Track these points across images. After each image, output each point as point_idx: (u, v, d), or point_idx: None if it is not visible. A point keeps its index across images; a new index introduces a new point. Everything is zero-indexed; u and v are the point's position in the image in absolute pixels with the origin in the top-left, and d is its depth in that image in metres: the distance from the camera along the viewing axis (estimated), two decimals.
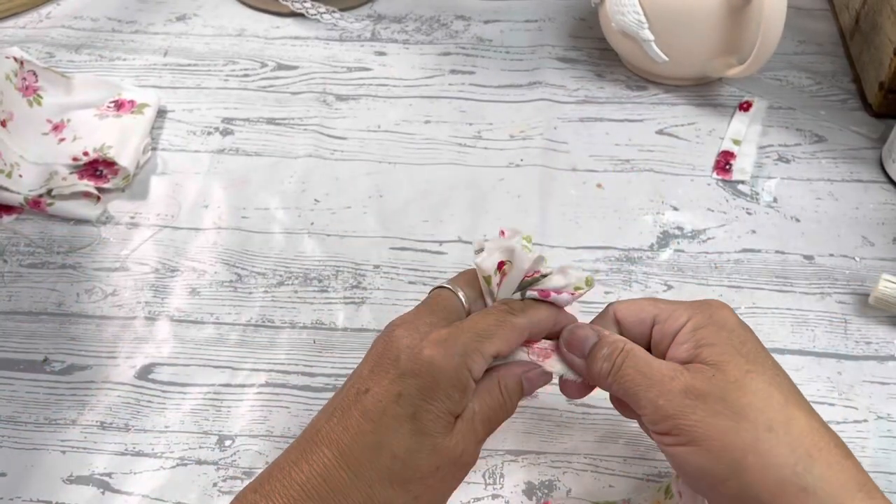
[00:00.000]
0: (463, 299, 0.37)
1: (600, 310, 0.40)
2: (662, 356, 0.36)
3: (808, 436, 0.32)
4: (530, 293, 0.37)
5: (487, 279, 0.38)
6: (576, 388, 0.39)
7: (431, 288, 0.39)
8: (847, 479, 0.31)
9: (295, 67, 0.71)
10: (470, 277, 0.39)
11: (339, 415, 0.34)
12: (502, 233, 0.39)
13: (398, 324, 0.35)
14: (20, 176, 0.59)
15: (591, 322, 0.39)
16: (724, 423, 0.32)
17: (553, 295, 0.37)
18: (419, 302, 0.38)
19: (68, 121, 0.64)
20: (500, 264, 0.37)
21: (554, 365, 0.38)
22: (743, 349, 0.34)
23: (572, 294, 0.38)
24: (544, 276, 0.38)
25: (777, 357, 0.49)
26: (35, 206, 0.58)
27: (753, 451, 0.31)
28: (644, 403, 0.34)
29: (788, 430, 0.32)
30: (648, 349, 0.37)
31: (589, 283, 0.38)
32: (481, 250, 0.38)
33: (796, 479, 0.31)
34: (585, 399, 0.47)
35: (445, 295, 0.37)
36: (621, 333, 0.38)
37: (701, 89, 0.68)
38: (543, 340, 0.39)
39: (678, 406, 0.33)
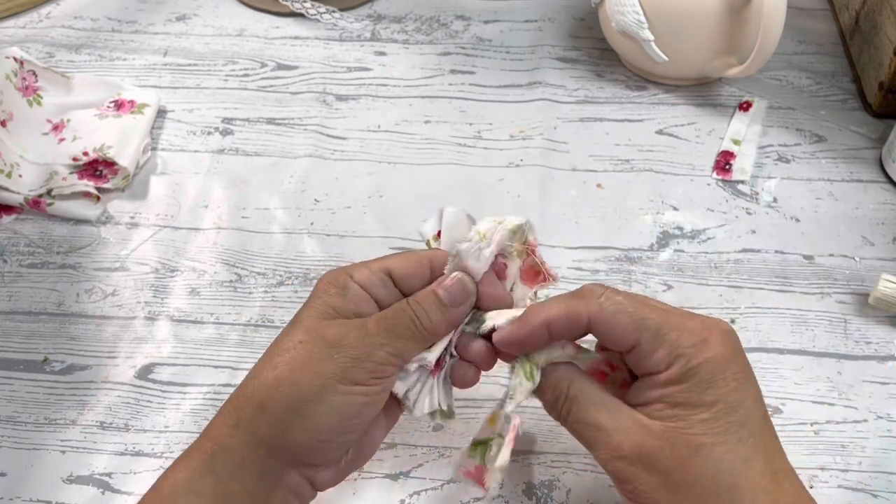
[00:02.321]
0: None
1: None
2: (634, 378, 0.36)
3: None
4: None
5: (427, 243, 0.41)
6: (472, 371, 0.38)
7: None
8: None
9: (295, 67, 0.71)
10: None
11: None
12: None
13: None
14: (20, 176, 0.59)
15: (553, 305, 0.35)
16: (668, 499, 0.32)
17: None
18: None
19: (68, 121, 0.64)
20: (440, 233, 0.39)
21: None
22: (711, 412, 0.32)
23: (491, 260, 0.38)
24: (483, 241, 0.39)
25: (777, 357, 0.50)
26: (35, 206, 0.58)
27: None
28: (596, 458, 0.34)
29: None
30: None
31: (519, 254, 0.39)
32: (427, 221, 0.42)
33: None
34: None
35: None
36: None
37: (701, 89, 0.68)
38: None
39: (626, 472, 0.33)
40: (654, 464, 0.32)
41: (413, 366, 0.37)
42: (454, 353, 0.39)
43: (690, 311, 0.35)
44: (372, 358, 0.35)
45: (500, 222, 0.38)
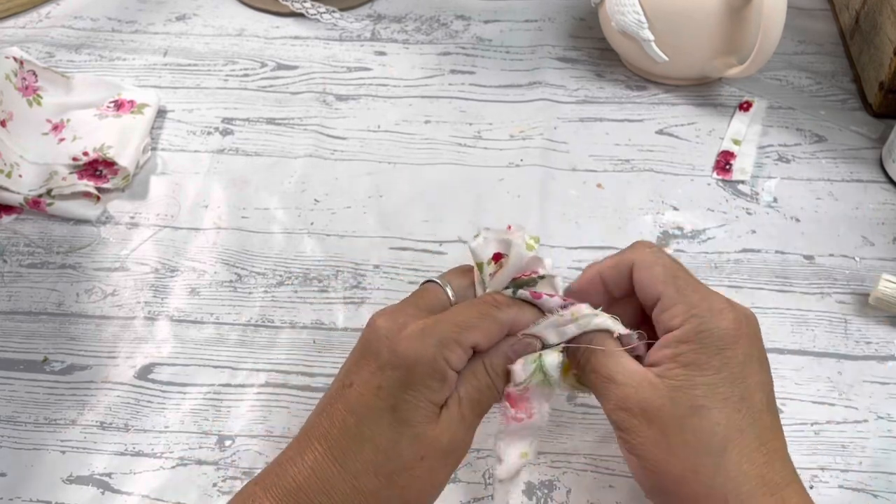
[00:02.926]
0: (450, 293, 0.37)
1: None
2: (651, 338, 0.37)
3: (730, 482, 0.33)
4: (522, 293, 0.37)
5: (480, 265, 0.38)
6: None
7: (423, 281, 0.39)
8: None
9: (295, 67, 0.71)
10: (460, 272, 0.39)
11: (328, 409, 0.35)
12: (509, 227, 0.38)
13: (380, 314, 0.36)
14: (20, 176, 0.59)
15: (608, 260, 0.39)
16: (660, 454, 0.34)
17: (544, 297, 0.37)
18: None
19: (68, 121, 0.64)
20: (497, 256, 0.37)
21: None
22: (716, 377, 0.34)
23: (564, 300, 0.37)
24: (541, 277, 0.38)
25: (777, 357, 0.50)
26: (35, 206, 0.58)
27: (678, 484, 0.33)
28: (603, 407, 0.36)
29: (713, 475, 0.33)
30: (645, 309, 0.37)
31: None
32: (478, 235, 0.38)
33: None
34: (585, 399, 0.48)
35: (432, 288, 0.38)
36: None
37: (701, 89, 0.68)
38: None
39: (629, 423, 0.34)
40: (654, 419, 0.34)
41: None
42: None
43: None
44: (469, 444, 0.36)
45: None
